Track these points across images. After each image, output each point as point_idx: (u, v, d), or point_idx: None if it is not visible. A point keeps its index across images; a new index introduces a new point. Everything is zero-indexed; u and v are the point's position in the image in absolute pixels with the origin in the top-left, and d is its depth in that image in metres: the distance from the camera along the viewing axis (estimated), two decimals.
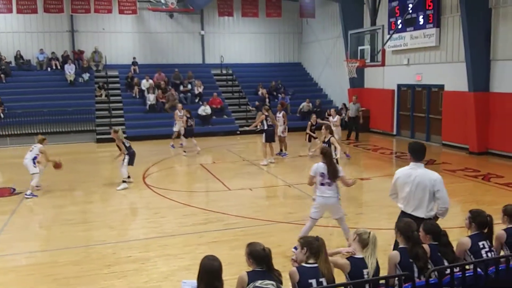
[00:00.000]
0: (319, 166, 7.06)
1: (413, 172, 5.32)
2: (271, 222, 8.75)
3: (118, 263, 6.87)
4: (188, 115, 16.74)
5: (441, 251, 4.44)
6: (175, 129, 17.39)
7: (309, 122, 15.38)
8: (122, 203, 10.51)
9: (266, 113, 14.44)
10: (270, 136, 14.29)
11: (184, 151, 16.36)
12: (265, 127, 14.27)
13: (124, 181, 11.65)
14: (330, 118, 15.69)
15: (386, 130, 20.45)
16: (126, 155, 11.71)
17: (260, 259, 3.97)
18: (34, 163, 11.00)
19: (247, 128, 16.42)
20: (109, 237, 8.03)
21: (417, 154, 5.40)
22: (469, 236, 4.74)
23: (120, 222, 9.02)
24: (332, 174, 6.96)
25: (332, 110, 16.19)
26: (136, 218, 9.37)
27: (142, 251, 7.33)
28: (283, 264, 6.12)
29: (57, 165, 11.52)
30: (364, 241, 4.30)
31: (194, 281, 3.85)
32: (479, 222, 4.76)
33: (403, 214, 5.37)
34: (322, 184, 6.98)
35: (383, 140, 19.38)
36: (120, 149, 11.77)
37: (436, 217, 5.29)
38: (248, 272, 3.92)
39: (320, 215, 7.15)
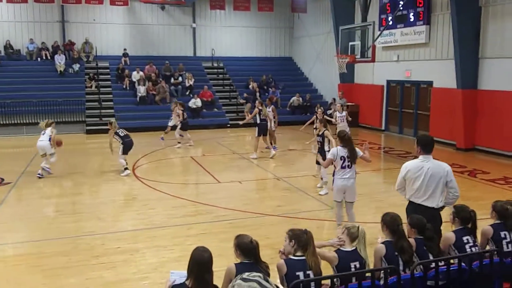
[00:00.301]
0: (339, 149, 7.34)
1: (425, 164, 5.48)
2: (260, 215, 8.82)
3: (106, 254, 6.90)
4: (183, 109, 16.73)
5: (426, 245, 4.53)
6: (171, 123, 17.18)
7: (314, 116, 14.70)
8: (111, 195, 10.52)
9: (260, 107, 14.52)
10: (262, 130, 14.38)
11: (179, 142, 16.33)
12: (258, 121, 14.37)
13: (126, 168, 12.14)
14: (337, 113, 15.56)
15: (374, 125, 20.61)
16: (121, 144, 12.18)
17: (247, 251, 4.02)
18: (50, 143, 11.88)
19: (240, 123, 16.41)
20: (97, 228, 8.05)
21: (427, 146, 5.58)
22: (454, 231, 4.83)
23: (109, 213, 9.04)
24: (352, 156, 7.30)
25: (338, 106, 16.10)
26: (125, 209, 9.39)
27: (131, 243, 7.37)
28: (271, 256, 6.18)
29: (58, 143, 12.30)
30: (353, 234, 4.38)
31: (182, 272, 3.87)
32: (463, 217, 4.86)
33: (412, 204, 5.50)
34: (343, 167, 7.31)
35: (372, 135, 19.54)
36: (110, 142, 12.38)
37: (443, 207, 5.52)
38: (236, 264, 3.97)
39: (342, 197, 7.49)
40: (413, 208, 5.46)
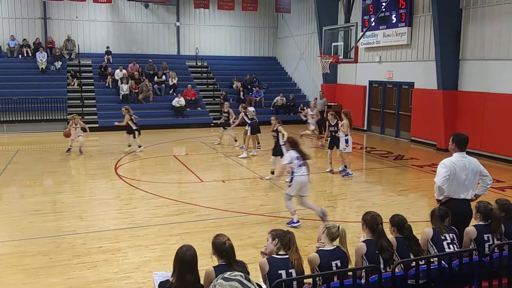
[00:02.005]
0: (292, 153, 8.28)
1: (465, 160, 5.75)
2: (242, 214, 8.84)
3: (88, 253, 6.85)
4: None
5: (405, 245, 4.61)
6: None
7: (327, 122, 13.63)
8: (93, 194, 10.44)
9: (244, 110, 14.86)
10: (255, 128, 14.58)
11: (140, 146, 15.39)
12: (248, 121, 14.59)
13: (140, 146, 14.67)
14: (309, 110, 16.82)
15: (357, 125, 20.70)
16: (135, 130, 14.61)
17: (220, 251, 4.01)
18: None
19: (229, 129, 16.36)
20: (79, 228, 7.99)
21: (463, 144, 5.84)
22: (432, 228, 4.93)
23: (91, 212, 8.96)
24: (303, 155, 8.29)
25: (312, 103, 16.48)
26: (107, 208, 9.32)
27: (113, 242, 7.33)
28: (254, 255, 6.23)
29: (67, 134, 13.72)
30: (332, 234, 4.40)
31: (165, 273, 3.88)
32: (440, 215, 4.96)
33: (453, 201, 5.66)
34: (300, 166, 8.13)
35: (354, 135, 19.39)
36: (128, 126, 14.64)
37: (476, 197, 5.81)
38: (214, 267, 3.96)
39: (295, 193, 8.22)
40: (453, 204, 5.58)
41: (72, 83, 22.16)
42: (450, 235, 4.84)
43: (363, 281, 4.11)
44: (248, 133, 14.62)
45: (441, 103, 15.60)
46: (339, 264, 4.28)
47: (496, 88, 14.13)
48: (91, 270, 6.29)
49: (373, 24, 17.85)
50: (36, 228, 7.97)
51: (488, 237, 4.91)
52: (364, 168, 13.91)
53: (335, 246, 4.39)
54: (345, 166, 12.26)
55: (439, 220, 4.93)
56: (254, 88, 24.02)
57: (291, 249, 4.19)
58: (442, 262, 4.40)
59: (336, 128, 12.47)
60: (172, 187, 11.10)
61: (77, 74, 22.52)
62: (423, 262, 4.35)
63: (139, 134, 15.26)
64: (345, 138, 12.01)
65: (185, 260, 3.69)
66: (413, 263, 4.29)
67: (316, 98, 22.06)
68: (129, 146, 15.46)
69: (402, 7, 17.40)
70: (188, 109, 22.02)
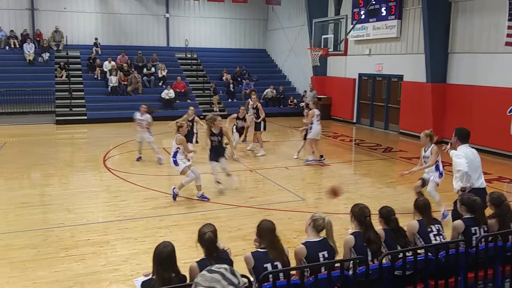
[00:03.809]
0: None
1: (472, 150, 6.20)
2: (232, 206, 8.85)
3: (76, 246, 6.82)
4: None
5: (391, 236, 4.64)
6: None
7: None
8: (81, 186, 10.37)
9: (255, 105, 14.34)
10: (264, 124, 14.14)
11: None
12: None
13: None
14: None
15: (346, 118, 20.85)
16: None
17: (200, 241, 4.04)
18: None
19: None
20: (67, 220, 7.94)
21: (466, 138, 6.23)
22: (418, 220, 4.97)
23: (79, 205, 8.90)
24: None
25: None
26: (95, 201, 9.27)
27: (101, 234, 7.30)
28: (243, 247, 6.25)
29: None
30: (319, 226, 4.40)
31: (144, 278, 3.92)
32: (420, 209, 5.01)
33: (477, 190, 5.90)
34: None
35: (343, 127, 19.77)
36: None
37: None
38: (197, 262, 3.98)
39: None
40: (475, 193, 5.62)
41: (60, 75, 21.94)
42: (436, 226, 4.88)
43: (350, 272, 4.14)
44: (261, 129, 14.01)
45: (430, 96, 15.69)
46: (326, 255, 4.28)
47: (484, 81, 14.23)
48: (79, 263, 6.26)
49: (363, 16, 17.87)
50: (24, 221, 7.91)
51: (475, 229, 4.93)
52: (353, 160, 13.97)
53: (321, 238, 4.40)
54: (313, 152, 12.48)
55: (425, 210, 4.96)
56: (244, 81, 23.98)
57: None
58: (429, 253, 4.44)
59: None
60: (161, 180, 11.06)
61: (65, 65, 22.29)
62: (410, 253, 4.39)
63: None
64: (310, 126, 12.29)
65: (162, 258, 3.71)
66: (400, 255, 4.33)
67: (305, 91, 22.16)
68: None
69: (392, 0, 17.42)
70: (177, 101, 21.91)
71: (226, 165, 10.17)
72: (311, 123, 12.26)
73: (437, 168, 8.19)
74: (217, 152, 10.00)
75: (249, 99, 15.04)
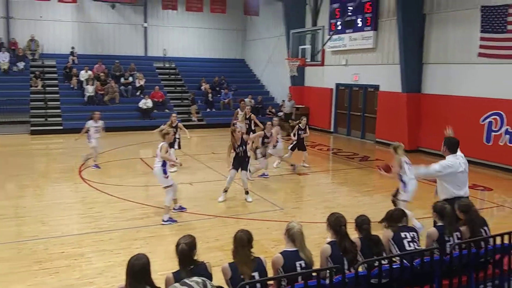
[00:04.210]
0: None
1: (458, 160, 6.29)
2: (210, 217, 8.80)
3: (50, 259, 6.69)
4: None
5: (367, 244, 4.68)
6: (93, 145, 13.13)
7: (297, 126, 13.56)
8: (56, 198, 10.18)
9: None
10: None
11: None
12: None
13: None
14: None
15: (324, 127, 21.00)
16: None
17: (179, 255, 4.01)
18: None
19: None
20: (41, 233, 7.79)
21: (454, 147, 6.37)
22: (391, 229, 5.01)
23: (53, 217, 8.74)
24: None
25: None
26: (70, 213, 9.11)
27: (76, 247, 7.17)
28: (220, 258, 6.21)
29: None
30: (292, 236, 4.41)
31: None
32: (395, 217, 5.08)
33: (458, 198, 5.94)
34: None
35: (321, 136, 19.90)
36: None
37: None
38: (173, 273, 3.96)
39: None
40: (455, 202, 5.73)
41: (36, 84, 21.61)
42: (411, 233, 4.94)
43: (327, 281, 4.15)
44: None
45: (405, 105, 15.94)
46: (303, 265, 4.29)
47: (458, 91, 14.53)
48: (52, 276, 6.14)
49: (339, 28, 18.11)
50: None
51: (449, 237, 5.02)
52: (330, 169, 14.07)
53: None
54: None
55: (394, 221, 5.02)
56: (222, 90, 23.99)
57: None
58: (404, 261, 4.48)
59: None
60: (138, 190, 10.95)
61: (41, 75, 21.97)
62: (385, 261, 4.43)
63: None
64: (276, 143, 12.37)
65: (135, 270, 3.66)
66: (376, 263, 4.36)
67: (284, 100, 22.29)
68: None
69: (368, 11, 17.70)
70: (155, 111, 21.78)
71: (246, 181, 10.07)
72: (277, 141, 12.24)
73: (402, 182, 8.01)
74: (240, 162, 9.88)
75: (238, 109, 14.90)
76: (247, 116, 14.12)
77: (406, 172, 7.92)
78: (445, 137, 6.58)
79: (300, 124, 13.32)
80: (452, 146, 6.36)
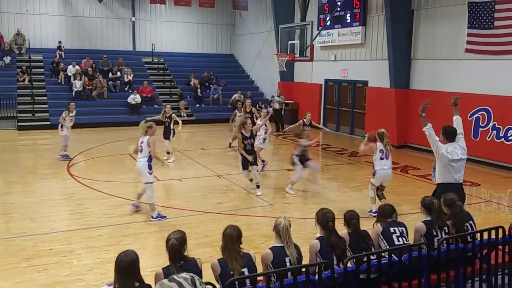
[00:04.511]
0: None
1: (456, 149, 6.35)
2: (200, 213, 8.80)
3: (38, 256, 6.65)
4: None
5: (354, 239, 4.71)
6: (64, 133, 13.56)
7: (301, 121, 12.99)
8: (44, 194, 10.12)
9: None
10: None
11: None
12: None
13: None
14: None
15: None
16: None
17: (168, 249, 4.01)
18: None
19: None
20: (29, 229, 7.73)
21: (452, 136, 6.46)
22: (380, 223, 5.07)
23: (42, 213, 8.68)
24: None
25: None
26: (58, 209, 9.05)
27: (65, 244, 7.14)
28: (210, 254, 6.22)
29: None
30: (279, 231, 4.42)
31: (107, 287, 3.88)
32: (386, 212, 5.13)
33: (448, 185, 6.18)
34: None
35: (310, 132, 19.88)
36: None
37: None
38: (163, 268, 3.95)
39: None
40: (449, 188, 5.95)
41: (22, 79, 21.37)
42: (400, 228, 4.99)
43: (316, 277, 4.18)
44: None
45: (394, 101, 16.03)
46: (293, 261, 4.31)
47: (446, 87, 14.62)
48: (41, 273, 6.11)
49: (328, 23, 18.13)
50: None
51: (437, 232, 5.07)
52: (320, 165, 14.09)
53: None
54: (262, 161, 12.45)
55: (384, 217, 5.08)
56: (211, 86, 23.93)
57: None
58: (393, 256, 4.53)
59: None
60: (127, 187, 10.87)
61: (28, 69, 21.71)
62: (374, 257, 4.46)
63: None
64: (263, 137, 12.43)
65: (123, 267, 3.64)
66: (365, 258, 4.39)
67: (273, 96, 22.27)
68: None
69: (357, 7, 17.74)
70: (144, 106, 21.67)
71: (257, 175, 10.22)
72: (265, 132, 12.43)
73: (373, 167, 8.84)
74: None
75: (235, 110, 14.90)
76: (248, 110, 14.19)
77: (377, 160, 8.72)
78: (443, 126, 6.69)
79: (304, 119, 12.94)
80: (450, 135, 6.43)
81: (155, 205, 8.51)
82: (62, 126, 13.36)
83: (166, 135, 13.50)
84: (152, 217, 8.33)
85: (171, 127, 13.46)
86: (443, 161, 6.34)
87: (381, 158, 8.69)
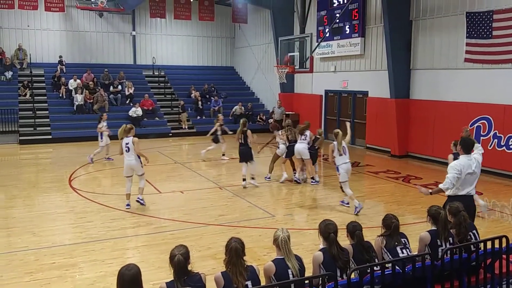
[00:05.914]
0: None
1: (470, 162, 6.32)
2: (201, 225, 8.78)
3: (41, 270, 6.62)
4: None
5: (358, 251, 4.69)
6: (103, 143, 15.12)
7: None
8: (46, 208, 10.10)
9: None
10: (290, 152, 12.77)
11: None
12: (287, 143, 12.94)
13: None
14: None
15: (314, 133, 21.00)
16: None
17: (171, 264, 3.99)
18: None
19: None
20: (31, 243, 7.71)
21: (469, 148, 6.45)
22: (383, 236, 5.04)
23: (44, 227, 8.67)
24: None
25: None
26: (60, 223, 9.04)
27: (67, 257, 7.11)
28: (213, 266, 6.20)
29: None
30: (278, 245, 4.42)
31: None
32: (387, 225, 5.08)
33: (459, 197, 6.15)
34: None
35: None
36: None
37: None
38: (167, 283, 3.94)
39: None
40: (459, 199, 5.91)
41: (24, 94, 21.46)
42: (403, 240, 4.97)
43: None
44: (284, 156, 12.86)
45: (394, 111, 16.07)
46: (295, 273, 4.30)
47: (445, 96, 14.69)
48: (44, 287, 6.08)
49: (327, 34, 18.24)
50: None
51: (441, 242, 5.04)
52: (322, 175, 14.10)
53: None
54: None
55: (387, 229, 5.03)
56: (212, 98, 24.01)
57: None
58: (396, 267, 4.51)
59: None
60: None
61: (29, 84, 21.82)
62: (377, 268, 4.45)
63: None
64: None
65: (125, 280, 3.63)
66: (368, 269, 4.37)
67: (274, 107, 22.36)
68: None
69: (355, 18, 17.87)
70: (145, 119, 21.73)
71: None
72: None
73: (336, 168, 9.68)
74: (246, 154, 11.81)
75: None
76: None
77: (336, 157, 9.53)
78: (461, 137, 6.86)
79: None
80: (466, 147, 6.46)
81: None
82: (102, 137, 14.84)
83: (216, 140, 15.41)
84: (139, 198, 9.86)
85: (218, 133, 15.21)
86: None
87: (340, 155, 9.54)
